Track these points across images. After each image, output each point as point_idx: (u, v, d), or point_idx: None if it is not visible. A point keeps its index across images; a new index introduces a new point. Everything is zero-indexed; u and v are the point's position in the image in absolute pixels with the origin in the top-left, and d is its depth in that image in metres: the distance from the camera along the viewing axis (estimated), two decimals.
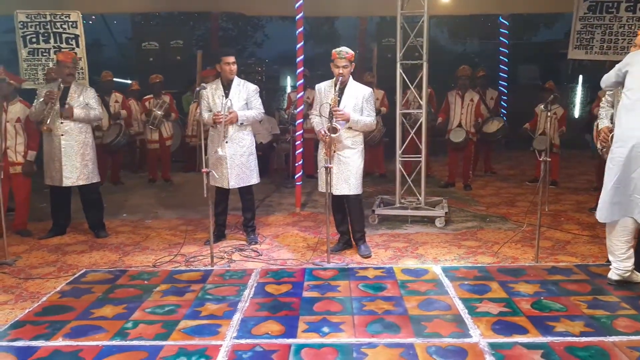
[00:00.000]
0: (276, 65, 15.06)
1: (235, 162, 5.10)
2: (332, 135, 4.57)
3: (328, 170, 4.47)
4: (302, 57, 6.38)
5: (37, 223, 5.95)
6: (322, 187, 4.84)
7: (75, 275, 4.25)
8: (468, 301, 3.62)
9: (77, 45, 9.33)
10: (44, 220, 5.92)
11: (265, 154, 9.50)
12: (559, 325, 3.23)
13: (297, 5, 6.25)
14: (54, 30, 9.09)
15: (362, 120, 4.62)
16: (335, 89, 4.60)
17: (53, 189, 5.51)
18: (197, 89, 4.72)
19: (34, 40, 9.02)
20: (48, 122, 5.23)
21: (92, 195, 5.62)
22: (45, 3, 9.15)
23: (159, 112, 8.61)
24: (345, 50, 4.62)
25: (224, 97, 5.06)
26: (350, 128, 4.66)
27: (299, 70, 6.49)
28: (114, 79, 9.32)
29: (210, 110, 5.12)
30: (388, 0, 7.69)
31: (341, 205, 4.95)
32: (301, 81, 6.55)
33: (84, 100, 5.42)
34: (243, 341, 3.05)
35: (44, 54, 9.09)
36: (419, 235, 5.52)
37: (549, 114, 6.81)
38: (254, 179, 5.25)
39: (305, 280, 4.01)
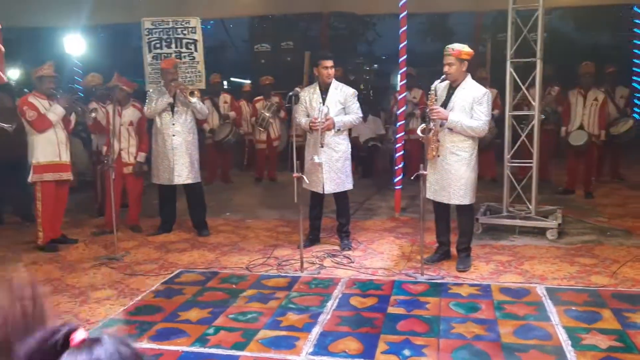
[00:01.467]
0: (387, 63, 14.83)
1: (331, 167, 5.02)
2: (428, 135, 4.34)
3: (420, 177, 4.24)
4: (404, 57, 6.14)
5: (149, 219, 6.30)
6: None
7: (171, 275, 4.42)
8: (573, 330, 3.22)
9: (196, 50, 9.79)
10: (155, 216, 6.25)
11: (370, 155, 9.37)
12: None
13: (401, 3, 6.03)
14: (175, 36, 9.62)
15: (465, 123, 4.28)
16: (433, 89, 4.34)
17: (161, 188, 5.81)
18: (290, 94, 4.70)
19: (157, 45, 9.62)
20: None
21: (197, 194, 5.86)
22: (169, 10, 9.70)
23: (267, 114, 8.78)
24: (452, 47, 4.34)
25: (321, 103, 4.99)
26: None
27: (401, 70, 6.26)
28: (232, 79, 9.67)
29: (308, 115, 5.09)
30: None
31: (445, 214, 4.67)
32: (404, 81, 6.32)
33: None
34: (318, 358, 2.95)
35: (166, 59, 9.70)
36: (527, 249, 5.08)
37: None
38: (349, 184, 5.15)
39: (392, 294, 3.82)
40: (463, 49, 4.30)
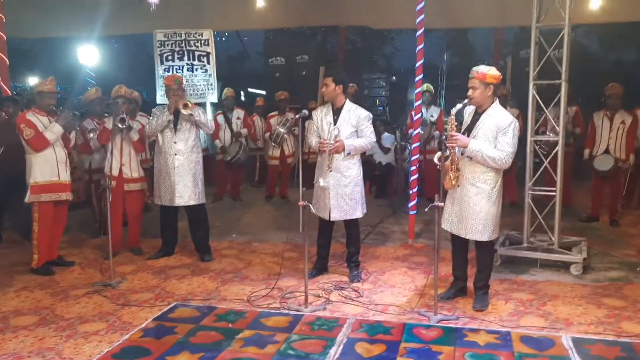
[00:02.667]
0: (405, 78, 14.53)
1: (339, 192, 4.72)
2: (445, 163, 4.04)
3: (437, 208, 3.92)
4: (421, 75, 5.84)
5: (152, 240, 6.04)
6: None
7: (165, 310, 4.13)
8: None
9: (208, 62, 9.61)
10: (158, 236, 5.96)
11: (384, 175, 9.05)
12: None
13: (418, 20, 5.73)
14: (188, 48, 9.43)
15: (487, 153, 3.94)
16: (454, 113, 4.03)
17: (163, 209, 5.55)
18: (297, 116, 4.42)
19: (169, 58, 9.43)
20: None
21: (200, 216, 5.59)
22: (183, 21, 9.52)
23: (282, 130, 8.48)
24: (476, 70, 4.03)
25: (332, 124, 4.71)
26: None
27: (417, 90, 5.96)
28: (249, 90, 9.43)
29: (319, 137, 4.81)
30: (526, 10, 6.90)
31: (462, 247, 4.34)
32: (419, 101, 6.02)
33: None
34: None
35: (178, 71, 9.48)
36: (549, 285, 4.71)
37: None
38: (358, 211, 4.83)
39: (402, 341, 3.49)
40: (488, 71, 3.98)
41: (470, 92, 4.01)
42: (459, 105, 4.11)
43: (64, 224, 5.38)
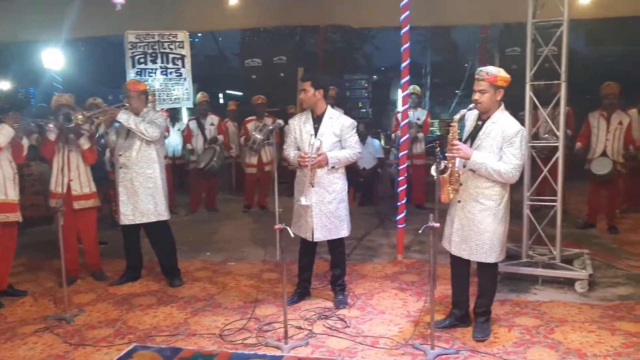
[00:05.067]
0: (387, 77, 14.12)
1: (322, 210, 4.22)
2: (443, 176, 3.58)
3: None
4: (407, 77, 5.37)
5: (115, 260, 5.49)
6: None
7: (121, 354, 3.58)
8: None
9: (183, 66, 9.04)
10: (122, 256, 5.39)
11: (369, 181, 8.59)
12: None
13: (402, 17, 5.27)
14: (161, 50, 8.88)
15: (491, 166, 3.48)
16: (457, 119, 3.58)
17: (123, 228, 4.98)
18: (271, 127, 3.93)
19: (142, 60, 8.86)
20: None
21: (161, 236, 5.00)
22: (155, 22, 8.95)
23: (259, 136, 7.93)
24: (485, 71, 3.55)
25: (313, 135, 4.20)
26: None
27: (404, 93, 5.49)
28: (228, 92, 8.92)
29: (298, 148, 4.30)
30: (513, 6, 6.50)
31: (463, 271, 3.86)
32: (407, 105, 5.56)
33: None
34: None
35: (151, 75, 8.90)
36: (555, 307, 4.27)
37: None
38: (344, 230, 4.33)
39: None
40: (499, 73, 3.50)
41: (477, 96, 3.54)
42: (464, 111, 3.66)
43: (13, 249, 4.79)
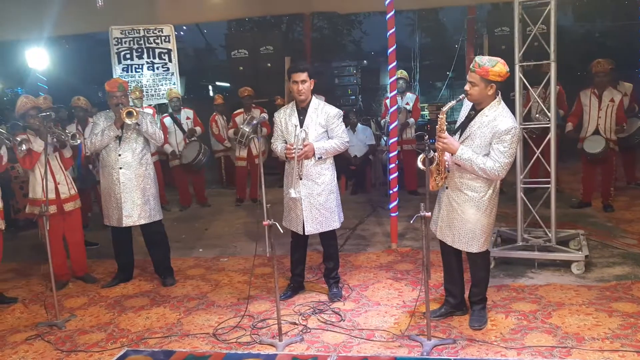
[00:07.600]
0: (376, 62, 13.97)
1: (312, 202, 4.15)
2: (430, 167, 3.50)
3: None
4: (394, 63, 5.28)
5: (107, 261, 5.42)
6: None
7: (115, 358, 3.52)
8: None
9: (170, 60, 8.91)
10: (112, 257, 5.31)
11: (361, 168, 8.52)
12: None
13: (387, 1, 5.16)
14: (147, 45, 8.73)
15: (477, 163, 3.37)
16: (444, 110, 3.49)
17: (114, 230, 4.90)
18: (255, 122, 3.83)
19: (127, 56, 8.72)
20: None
21: (156, 236, 4.94)
22: (139, 17, 8.80)
23: (247, 129, 7.82)
24: (478, 62, 3.35)
25: (298, 126, 4.12)
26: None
27: (391, 79, 5.40)
28: (217, 84, 8.75)
29: (285, 141, 4.22)
30: None
31: (452, 255, 3.80)
32: (394, 92, 5.47)
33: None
34: None
35: (137, 70, 8.76)
36: (551, 290, 4.22)
37: None
38: (335, 222, 4.26)
39: None
40: (492, 67, 3.29)
41: (467, 87, 3.39)
42: (453, 102, 3.56)
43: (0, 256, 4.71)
